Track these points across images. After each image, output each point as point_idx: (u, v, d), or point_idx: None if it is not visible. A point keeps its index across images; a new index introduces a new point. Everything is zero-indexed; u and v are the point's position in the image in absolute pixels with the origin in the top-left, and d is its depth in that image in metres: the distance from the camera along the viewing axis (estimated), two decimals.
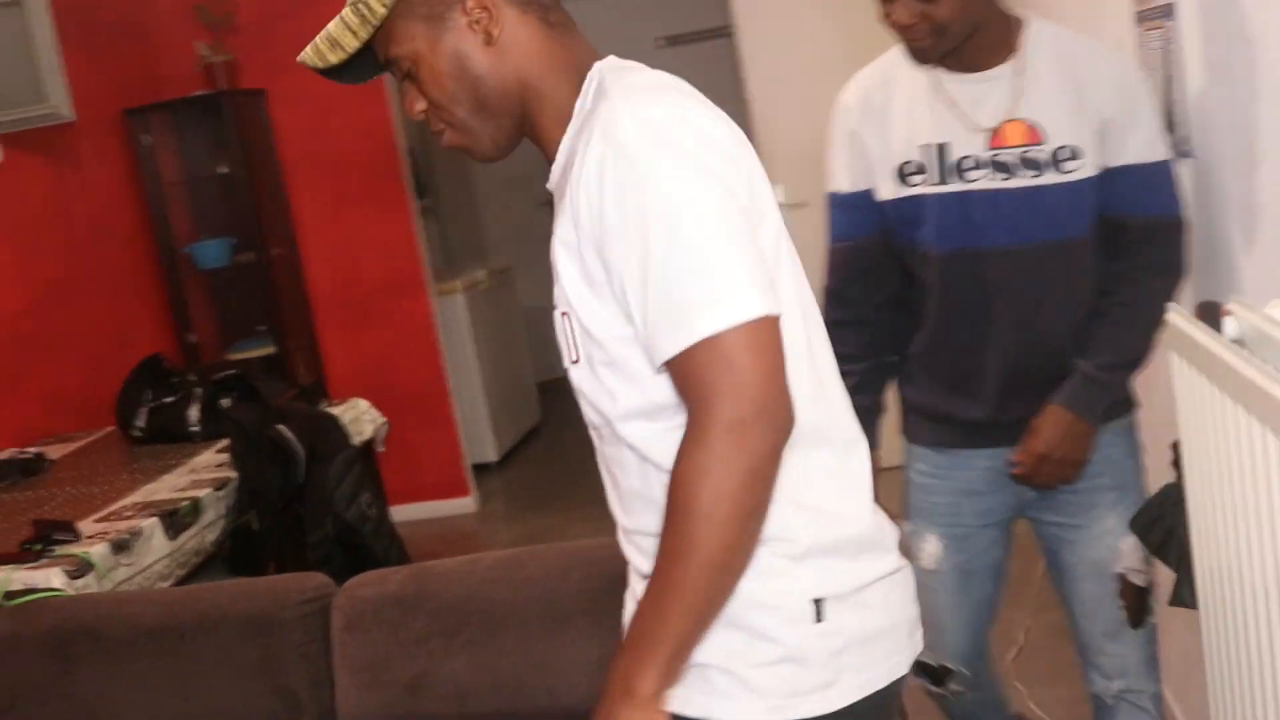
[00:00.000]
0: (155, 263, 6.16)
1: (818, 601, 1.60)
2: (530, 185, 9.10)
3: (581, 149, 1.62)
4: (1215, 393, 1.40)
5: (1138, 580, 2.52)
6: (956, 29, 2.32)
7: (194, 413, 4.61)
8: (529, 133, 1.80)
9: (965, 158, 2.43)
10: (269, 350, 6.18)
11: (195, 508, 3.88)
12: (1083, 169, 2.37)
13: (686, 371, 1.50)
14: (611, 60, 1.75)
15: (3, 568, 3.43)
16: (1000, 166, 2.40)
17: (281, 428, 4.21)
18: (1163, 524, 1.75)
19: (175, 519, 3.79)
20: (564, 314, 1.71)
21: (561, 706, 2.76)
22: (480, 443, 7.16)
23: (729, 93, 6.67)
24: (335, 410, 4.74)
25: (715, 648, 1.59)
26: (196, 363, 5.96)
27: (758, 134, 5.88)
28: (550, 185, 1.80)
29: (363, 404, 5.03)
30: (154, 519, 3.72)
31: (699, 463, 1.47)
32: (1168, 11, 2.43)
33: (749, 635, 1.60)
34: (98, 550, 3.47)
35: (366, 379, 6.31)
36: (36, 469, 4.49)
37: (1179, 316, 1.49)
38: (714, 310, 1.47)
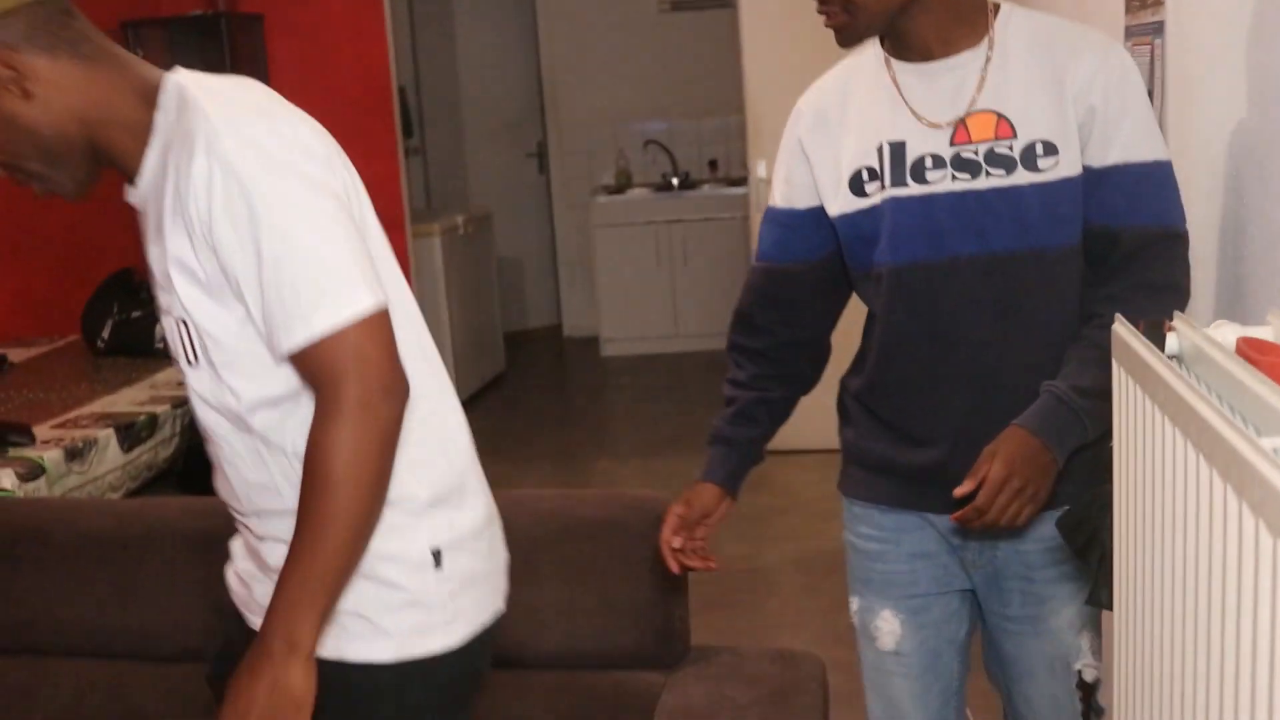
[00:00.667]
0: None
1: (436, 551, 1.83)
2: (519, 134, 9.12)
3: (180, 162, 1.70)
4: (1149, 405, 1.45)
5: (1089, 676, 2.19)
6: (873, 5, 2.01)
7: (159, 330, 4.63)
8: (108, 160, 1.85)
9: (924, 156, 2.08)
10: None
11: (152, 423, 3.90)
12: (1060, 167, 2.01)
13: (313, 361, 1.67)
14: (181, 72, 1.81)
15: None
16: (964, 165, 2.05)
17: None
18: (1088, 525, 1.80)
19: (131, 432, 3.82)
20: (180, 320, 1.79)
21: (494, 650, 2.80)
22: None
23: (726, 62, 6.70)
24: None
25: (350, 597, 1.77)
26: None
27: (750, 105, 5.91)
28: (136, 200, 1.86)
29: None
30: (109, 430, 3.75)
31: (335, 437, 1.64)
32: (1158, 29, 2.47)
33: (378, 584, 1.80)
34: (51, 456, 3.49)
35: None
36: None
37: (1123, 327, 1.54)
38: (332, 307, 1.65)
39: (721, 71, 7.70)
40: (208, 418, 1.84)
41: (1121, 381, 1.57)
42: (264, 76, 6.33)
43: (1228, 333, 1.46)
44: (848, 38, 2.07)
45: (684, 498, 2.36)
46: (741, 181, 6.27)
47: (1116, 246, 2.01)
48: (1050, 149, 2.02)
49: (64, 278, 5.48)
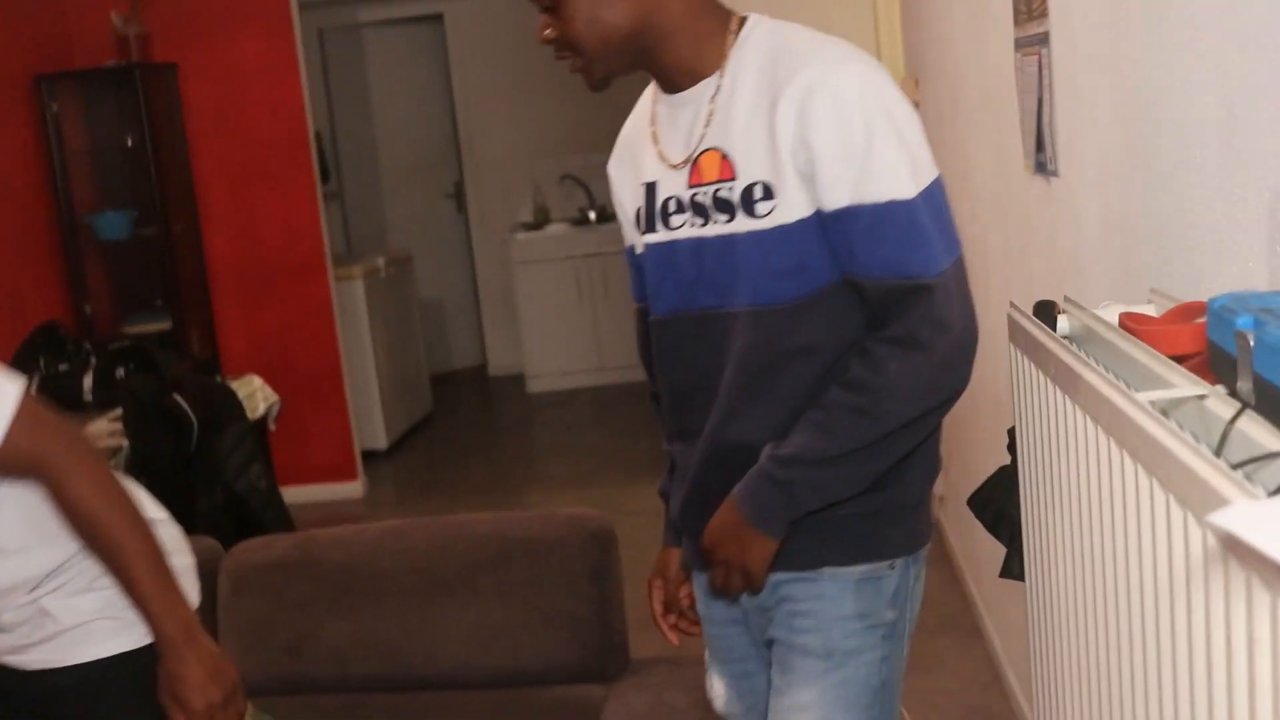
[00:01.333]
0: (55, 230, 6.15)
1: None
2: (437, 175, 9.18)
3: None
4: (1046, 383, 1.55)
5: None
6: (594, 45, 1.87)
7: (88, 381, 4.66)
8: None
9: (669, 199, 1.93)
10: (165, 325, 6.19)
11: None
12: (776, 213, 1.80)
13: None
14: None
15: None
16: (698, 209, 1.89)
17: (177, 397, 4.28)
18: (995, 504, 1.89)
19: None
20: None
21: (439, 671, 2.87)
22: (371, 429, 7.22)
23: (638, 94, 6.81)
24: (229, 385, 4.80)
25: (93, 607, 2.07)
26: (92, 334, 5.96)
27: None
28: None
29: (256, 380, 5.10)
30: None
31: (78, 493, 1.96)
32: (1044, 39, 2.59)
33: (111, 590, 2.04)
34: None
35: (261, 358, 6.35)
36: None
37: (1017, 313, 1.63)
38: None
39: (634, 103, 7.78)
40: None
41: (1017, 361, 1.67)
42: (179, 124, 6.36)
43: (1113, 311, 1.57)
44: (593, 82, 1.94)
45: (657, 569, 2.24)
46: None
47: (864, 298, 1.80)
48: (768, 192, 1.80)
49: None
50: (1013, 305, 1.70)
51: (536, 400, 8.49)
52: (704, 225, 1.87)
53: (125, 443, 4.16)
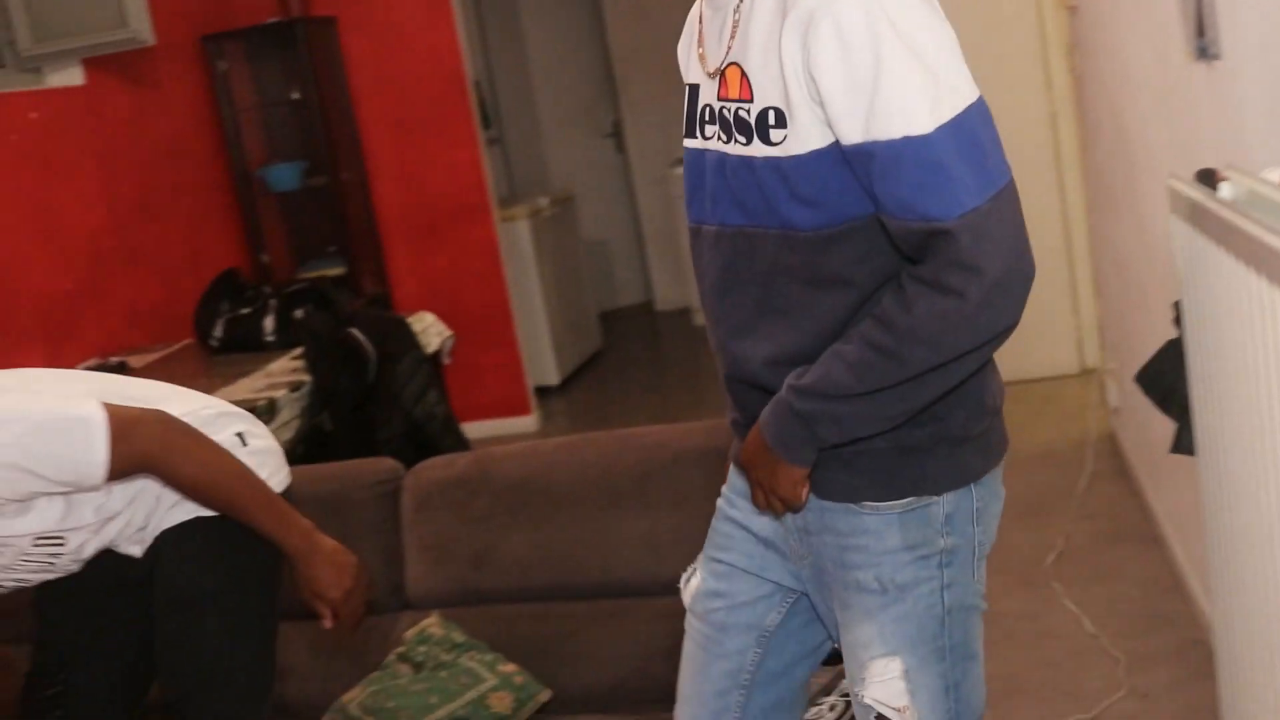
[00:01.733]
0: (230, 185, 6.36)
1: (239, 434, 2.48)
2: (594, 117, 9.25)
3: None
4: (1214, 249, 1.53)
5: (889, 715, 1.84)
6: None
7: (269, 322, 4.82)
8: None
9: (705, 106, 1.87)
10: (339, 270, 6.37)
11: (271, 407, 4.08)
12: (789, 142, 1.69)
13: None
14: None
15: None
16: (723, 124, 1.80)
17: (354, 330, 4.42)
18: (1165, 379, 1.86)
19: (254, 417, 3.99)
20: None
21: (614, 579, 2.94)
22: (543, 365, 7.35)
23: None
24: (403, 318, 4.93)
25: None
26: (269, 281, 6.16)
27: None
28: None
29: (429, 317, 5.23)
30: None
31: None
32: None
33: None
34: None
35: (432, 299, 6.49)
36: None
37: (1178, 182, 1.61)
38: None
39: None
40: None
41: (1183, 233, 1.65)
42: (342, 77, 6.51)
43: (1278, 174, 1.55)
44: None
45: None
46: None
47: (893, 237, 1.69)
48: (780, 119, 1.70)
49: (172, 285, 5.69)
50: (1172, 176, 1.67)
51: (702, 333, 8.51)
52: (727, 142, 1.78)
53: (308, 378, 4.31)
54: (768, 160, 1.71)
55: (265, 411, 4.02)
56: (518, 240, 7.22)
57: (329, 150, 6.35)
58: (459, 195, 6.68)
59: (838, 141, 1.64)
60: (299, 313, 4.78)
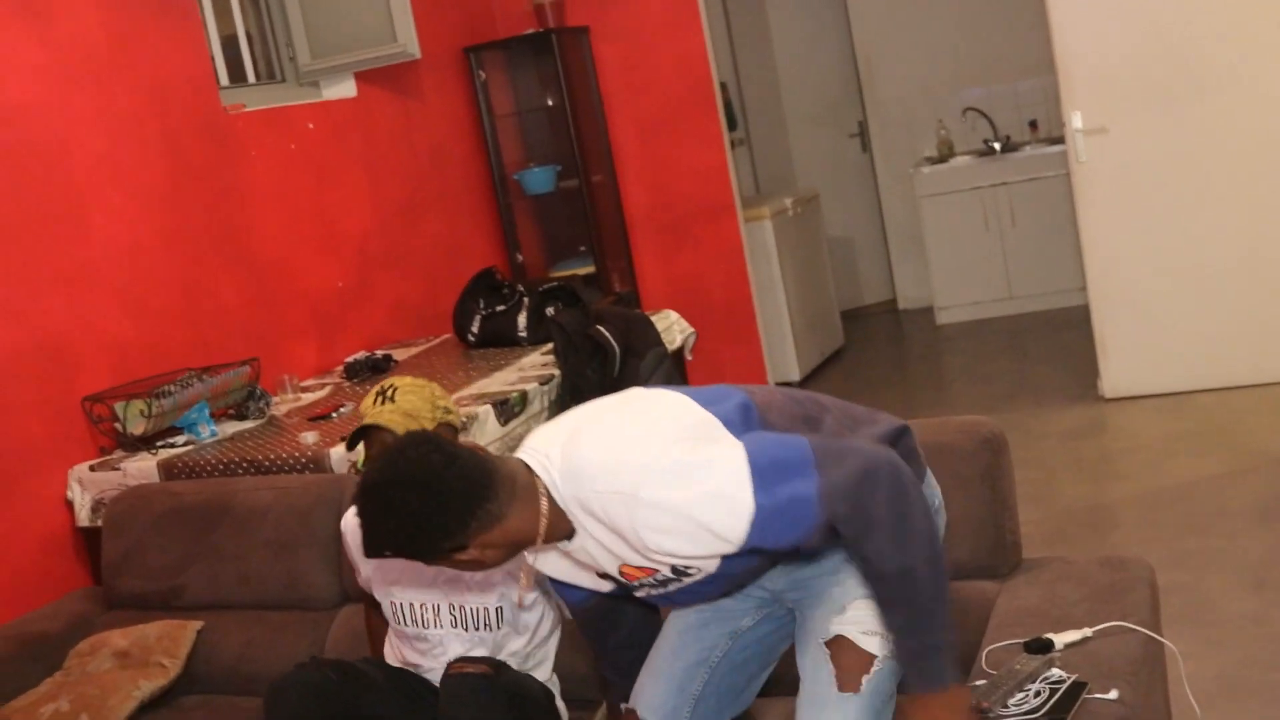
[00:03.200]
0: (488, 188, 6.72)
1: None
2: (840, 116, 9.36)
3: None
4: None
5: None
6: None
7: (522, 319, 5.11)
8: None
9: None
10: (589, 269, 6.68)
11: (523, 399, 4.35)
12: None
13: None
14: None
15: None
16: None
17: (600, 328, 4.67)
18: None
19: (505, 408, 4.27)
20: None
21: None
22: (784, 361, 7.51)
23: (1038, 20, 6.81)
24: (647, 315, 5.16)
25: None
26: (524, 279, 6.49)
27: (1060, 59, 5.99)
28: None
29: (673, 315, 5.45)
30: (487, 407, 4.21)
31: None
32: None
33: None
34: None
35: (677, 295, 6.73)
36: (384, 368, 5.06)
37: None
38: None
39: (1034, 31, 7.73)
40: None
41: None
42: (594, 83, 6.81)
43: None
44: None
45: None
46: (1063, 139, 6.35)
47: None
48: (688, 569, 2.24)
49: (433, 283, 6.06)
50: None
51: (946, 331, 8.57)
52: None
53: (557, 373, 4.58)
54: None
55: (517, 403, 4.29)
56: (762, 239, 7.40)
57: (581, 154, 6.65)
58: (704, 196, 6.90)
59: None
60: (550, 310, 5.05)
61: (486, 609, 2.98)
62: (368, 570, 3.12)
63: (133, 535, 3.92)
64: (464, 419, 4.01)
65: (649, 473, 2.10)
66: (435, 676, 3.02)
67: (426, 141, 6.29)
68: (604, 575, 2.33)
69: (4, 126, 4.15)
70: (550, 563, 2.39)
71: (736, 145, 7.99)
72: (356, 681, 2.94)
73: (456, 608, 3.00)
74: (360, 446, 3.19)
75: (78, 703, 3.43)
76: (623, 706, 2.53)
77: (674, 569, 2.20)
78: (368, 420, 2.93)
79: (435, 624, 3.02)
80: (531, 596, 3.00)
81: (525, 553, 2.31)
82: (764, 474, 2.09)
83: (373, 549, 2.13)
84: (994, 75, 8.82)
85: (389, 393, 2.95)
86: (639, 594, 2.34)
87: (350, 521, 3.19)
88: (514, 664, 3.00)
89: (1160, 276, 6.04)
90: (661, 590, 2.30)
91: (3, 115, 4.15)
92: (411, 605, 3.04)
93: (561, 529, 2.21)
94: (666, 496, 2.08)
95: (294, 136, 5.42)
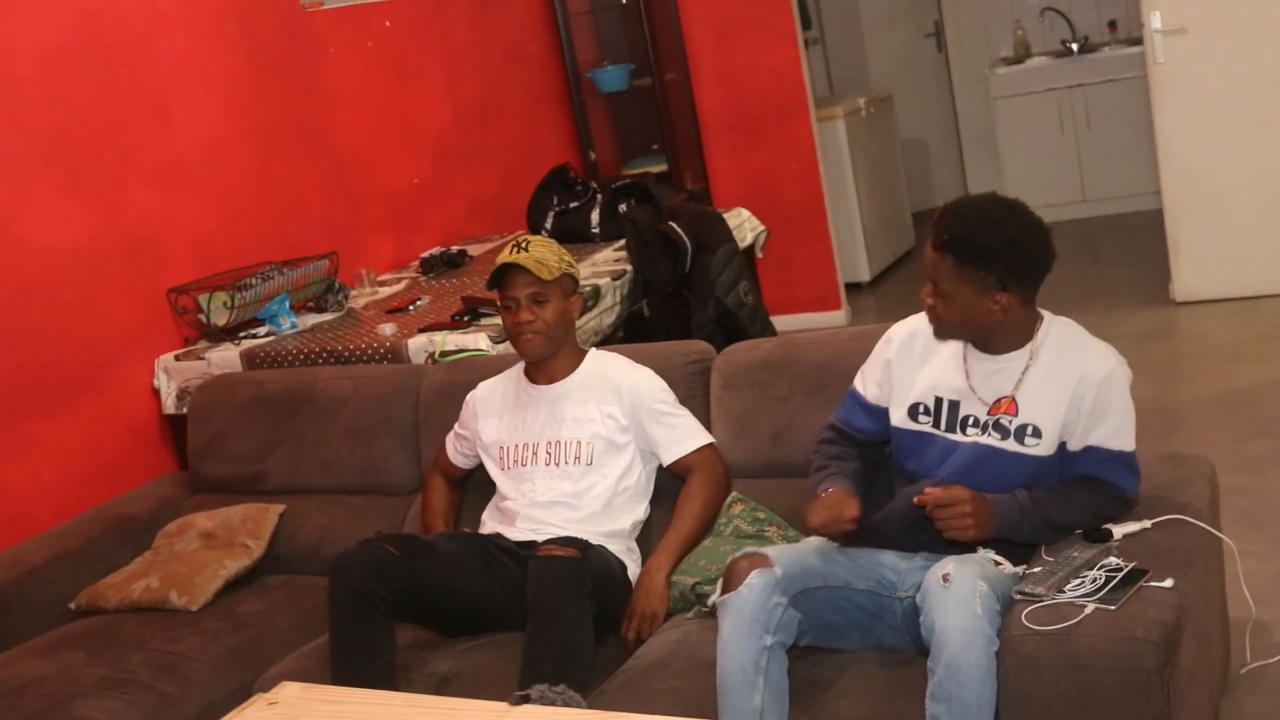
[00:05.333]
0: (562, 86, 6.75)
1: None
2: (916, 16, 9.27)
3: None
4: None
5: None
6: (953, 327, 2.78)
7: (595, 215, 5.18)
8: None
9: (968, 416, 2.80)
10: (661, 167, 6.72)
11: (596, 293, 4.42)
12: (1039, 447, 2.73)
13: None
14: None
15: (439, 333, 4.07)
16: (997, 428, 2.77)
17: (672, 224, 4.72)
18: None
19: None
20: None
21: None
22: (854, 262, 7.53)
23: None
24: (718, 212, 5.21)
25: None
26: (597, 177, 6.53)
27: None
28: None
29: (745, 212, 5.49)
30: None
31: None
32: None
33: None
34: None
35: (749, 194, 6.74)
36: (459, 263, 5.15)
37: None
38: None
39: None
40: None
41: None
42: None
43: None
44: (939, 335, 2.85)
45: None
46: (1141, 40, 6.27)
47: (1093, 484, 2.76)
48: (1036, 432, 2.75)
49: (508, 179, 6.13)
50: None
51: None
52: (999, 439, 2.82)
53: (629, 268, 4.65)
54: (1016, 454, 2.79)
55: (591, 297, 4.36)
56: (835, 139, 7.39)
57: (654, 52, 6.67)
58: (778, 95, 6.88)
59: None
60: (623, 207, 5.10)
61: (579, 442, 3.31)
62: (486, 424, 3.46)
63: (217, 422, 4.06)
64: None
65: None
66: (522, 532, 3.28)
67: (502, 39, 6.32)
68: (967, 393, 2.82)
69: (90, 27, 4.24)
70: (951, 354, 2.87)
71: (810, 44, 7.94)
72: (419, 555, 3.09)
73: (552, 443, 3.34)
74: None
75: (167, 580, 3.58)
76: (757, 552, 2.76)
77: (1020, 430, 2.74)
78: (507, 259, 3.30)
79: (532, 461, 3.35)
80: (625, 439, 3.32)
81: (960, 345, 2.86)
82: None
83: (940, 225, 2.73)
84: None
85: (523, 245, 3.32)
86: (960, 432, 2.80)
87: (483, 387, 3.53)
88: (598, 506, 3.29)
89: (1235, 180, 5.99)
90: (984, 439, 2.77)
91: (91, 14, 4.24)
92: (516, 446, 3.38)
93: (1020, 338, 2.79)
94: (1126, 392, 2.78)
95: (371, 34, 5.48)
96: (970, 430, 2.79)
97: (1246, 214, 6.02)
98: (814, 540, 2.89)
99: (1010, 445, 2.74)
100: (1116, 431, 2.73)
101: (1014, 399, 2.75)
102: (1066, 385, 2.72)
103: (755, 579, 2.63)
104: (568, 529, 3.23)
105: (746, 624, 2.60)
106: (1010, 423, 2.74)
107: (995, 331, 2.76)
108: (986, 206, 2.76)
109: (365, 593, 2.97)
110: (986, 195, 2.85)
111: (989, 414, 2.77)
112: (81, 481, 4.09)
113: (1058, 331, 2.81)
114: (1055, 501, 2.72)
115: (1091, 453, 2.73)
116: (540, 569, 2.96)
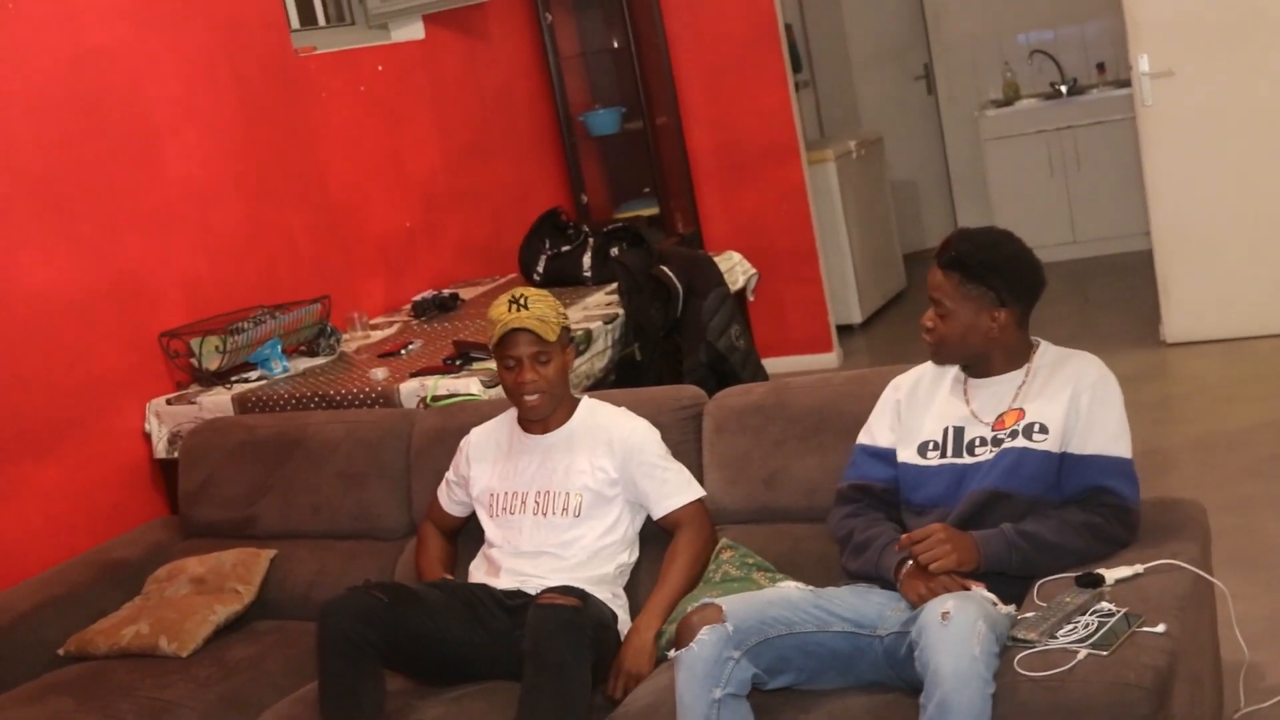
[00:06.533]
0: (554, 129, 6.78)
1: None
2: (905, 59, 9.32)
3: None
4: None
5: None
6: (953, 345, 2.94)
7: (587, 259, 5.18)
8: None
9: (974, 439, 2.92)
10: (653, 210, 6.74)
11: (588, 337, 4.43)
12: (1047, 443, 2.84)
13: None
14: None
15: (431, 377, 4.07)
16: (1010, 436, 2.88)
17: (663, 268, 4.73)
18: None
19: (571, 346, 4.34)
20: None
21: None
22: (846, 304, 7.55)
23: None
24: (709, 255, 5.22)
25: None
26: (588, 220, 6.55)
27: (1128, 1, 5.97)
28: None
29: (736, 255, 5.50)
30: None
31: None
32: None
33: None
34: None
35: (741, 237, 6.76)
36: (451, 306, 5.15)
37: None
38: None
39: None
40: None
41: None
42: (659, 24, 6.81)
43: None
44: (935, 359, 3.03)
45: None
46: (1129, 83, 6.31)
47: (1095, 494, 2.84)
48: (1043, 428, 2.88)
49: (499, 223, 6.14)
50: None
51: None
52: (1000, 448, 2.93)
53: (621, 312, 4.65)
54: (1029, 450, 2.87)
55: (583, 341, 4.36)
56: (825, 181, 7.42)
57: (646, 95, 6.71)
58: (768, 138, 6.91)
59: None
60: (614, 250, 5.11)
61: (568, 493, 3.31)
62: (479, 470, 3.46)
63: (208, 466, 4.05)
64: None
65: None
66: (507, 581, 3.28)
67: (493, 83, 6.35)
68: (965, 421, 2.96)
69: (84, 70, 4.25)
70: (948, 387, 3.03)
71: (801, 87, 7.98)
72: (407, 602, 3.09)
73: (542, 493, 3.34)
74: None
75: (156, 626, 3.56)
76: (712, 601, 2.77)
77: (1028, 427, 2.85)
78: (512, 325, 3.28)
79: (521, 510, 3.35)
80: (614, 492, 3.31)
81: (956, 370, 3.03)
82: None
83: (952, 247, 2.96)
84: (1062, 17, 8.77)
85: (522, 301, 3.31)
86: (967, 455, 2.91)
87: (476, 433, 3.53)
88: (584, 557, 3.28)
89: (1224, 221, 6.02)
90: (995, 452, 2.87)
91: (82, 59, 4.25)
92: (506, 494, 3.38)
93: (1016, 360, 2.96)
94: (1119, 398, 2.91)
95: (363, 79, 5.50)
96: (979, 450, 2.90)
97: (1236, 255, 6.04)
98: (789, 586, 2.95)
99: (1020, 443, 2.85)
100: (1114, 438, 2.84)
101: (1019, 408, 2.89)
102: (1065, 387, 2.87)
103: (705, 635, 2.67)
104: (551, 579, 3.22)
105: (698, 679, 2.65)
106: (1019, 425, 2.87)
107: (992, 350, 2.93)
108: (987, 231, 3.01)
109: (354, 638, 2.96)
110: (987, 226, 3.08)
111: (993, 430, 2.90)
112: (71, 526, 4.07)
113: (1052, 352, 2.99)
114: (1046, 524, 2.79)
115: (1093, 462, 2.82)
116: (541, 617, 2.95)
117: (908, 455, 2.99)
